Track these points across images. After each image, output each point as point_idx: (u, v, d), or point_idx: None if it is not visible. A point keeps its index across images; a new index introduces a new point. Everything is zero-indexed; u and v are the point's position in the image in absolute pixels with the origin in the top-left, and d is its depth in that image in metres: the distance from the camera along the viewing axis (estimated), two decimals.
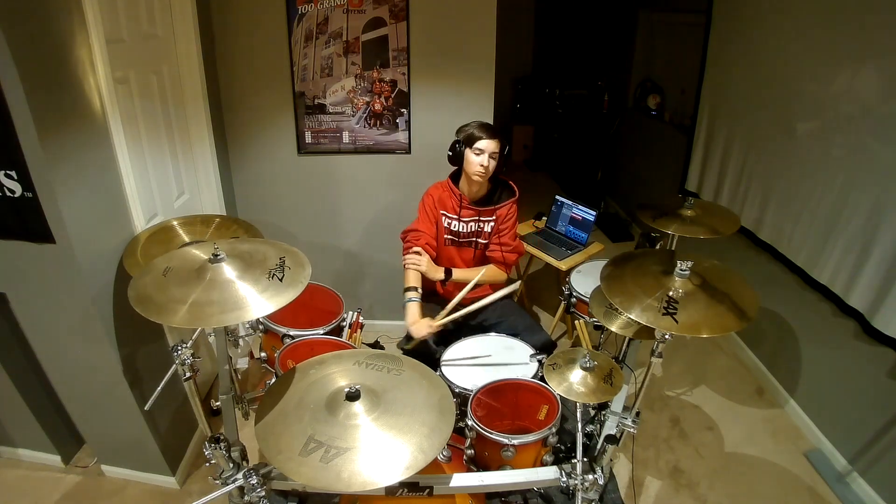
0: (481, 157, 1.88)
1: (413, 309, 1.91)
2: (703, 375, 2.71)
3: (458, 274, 2.03)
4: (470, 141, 1.89)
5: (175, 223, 1.84)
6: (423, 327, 1.85)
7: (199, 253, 1.26)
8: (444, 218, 2.04)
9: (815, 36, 2.18)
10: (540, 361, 1.78)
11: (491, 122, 2.42)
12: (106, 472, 2.06)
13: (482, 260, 2.15)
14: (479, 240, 2.09)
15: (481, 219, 2.05)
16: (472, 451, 1.62)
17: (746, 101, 2.67)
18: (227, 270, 1.18)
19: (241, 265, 1.21)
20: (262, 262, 1.23)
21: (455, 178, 2.04)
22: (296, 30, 2.30)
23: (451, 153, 1.95)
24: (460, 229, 2.05)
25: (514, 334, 2.04)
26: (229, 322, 1.08)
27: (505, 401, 1.74)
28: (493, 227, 2.06)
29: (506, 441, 1.51)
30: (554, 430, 1.56)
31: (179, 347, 1.28)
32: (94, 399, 1.84)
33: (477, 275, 1.91)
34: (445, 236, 2.07)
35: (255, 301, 1.13)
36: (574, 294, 2.26)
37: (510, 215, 2.06)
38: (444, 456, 1.48)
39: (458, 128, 1.96)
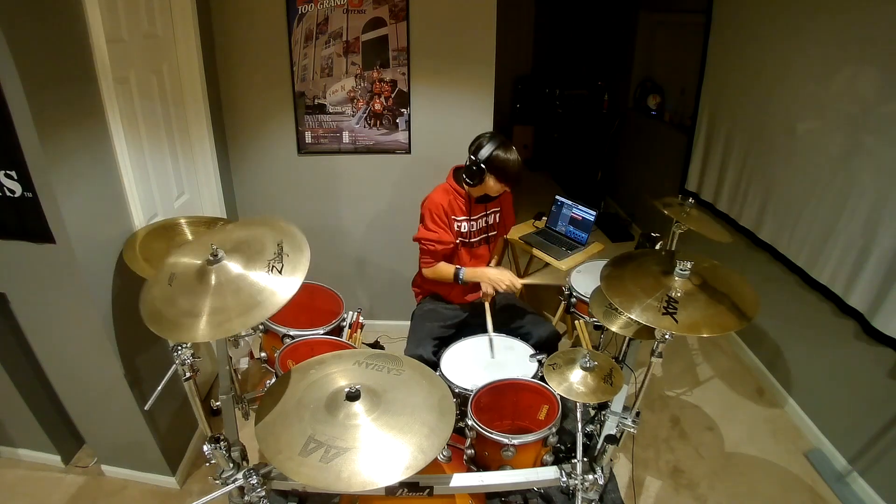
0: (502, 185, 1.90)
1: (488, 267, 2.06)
2: (703, 375, 2.71)
3: (468, 274, 2.01)
4: (502, 176, 1.87)
5: (182, 221, 1.81)
6: (508, 275, 1.96)
7: (193, 259, 1.19)
8: (453, 223, 2.02)
9: (815, 36, 2.18)
10: (540, 361, 1.78)
11: (491, 121, 2.43)
12: (106, 472, 2.06)
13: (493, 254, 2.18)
14: (490, 233, 2.11)
15: (488, 211, 2.07)
16: (472, 451, 1.62)
17: (746, 102, 2.67)
18: (232, 266, 1.14)
19: (242, 259, 1.16)
20: (260, 253, 1.17)
21: (456, 178, 2.00)
22: (296, 30, 2.29)
23: (468, 172, 1.90)
24: (469, 229, 2.05)
25: (519, 327, 2.04)
26: (253, 322, 1.05)
27: (505, 401, 1.74)
28: (500, 217, 2.11)
29: (506, 441, 1.51)
30: (554, 430, 1.56)
31: (179, 347, 1.28)
32: (94, 399, 1.84)
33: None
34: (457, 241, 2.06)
35: (272, 289, 1.08)
36: (574, 294, 2.26)
37: (509, 200, 2.13)
38: (444, 456, 1.47)
39: (482, 146, 1.85)
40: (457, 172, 2.01)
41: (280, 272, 1.12)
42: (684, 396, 2.56)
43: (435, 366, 1.88)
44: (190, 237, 1.77)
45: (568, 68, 5.53)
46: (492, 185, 1.90)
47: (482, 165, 1.86)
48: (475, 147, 1.88)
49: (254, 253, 1.17)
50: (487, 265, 2.16)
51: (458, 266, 2.00)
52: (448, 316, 2.10)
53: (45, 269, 1.55)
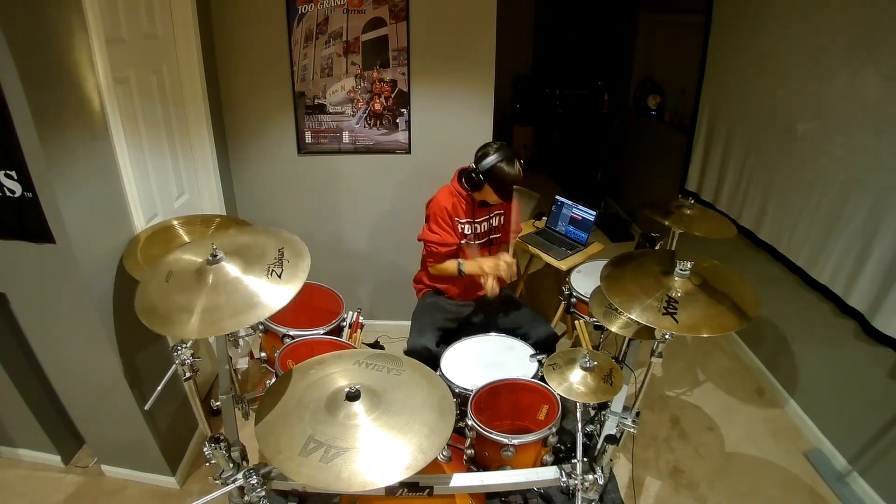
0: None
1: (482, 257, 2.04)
2: (703, 375, 2.71)
3: (468, 266, 2.01)
4: (499, 188, 1.87)
5: (175, 223, 1.83)
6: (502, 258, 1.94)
7: (194, 257, 1.22)
8: (457, 225, 2.02)
9: (815, 36, 2.18)
10: (540, 361, 1.78)
11: (491, 121, 2.43)
12: (106, 472, 2.06)
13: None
14: (493, 236, 2.11)
15: (492, 214, 2.07)
16: (472, 451, 1.62)
17: (746, 101, 2.67)
18: (231, 268, 1.15)
19: (242, 262, 1.18)
20: (260, 257, 1.19)
21: (460, 180, 1.99)
22: (296, 30, 2.29)
23: (468, 179, 1.90)
24: (473, 231, 2.04)
25: (517, 327, 2.04)
26: (246, 324, 1.07)
27: (505, 401, 1.74)
28: (504, 220, 2.10)
29: (506, 441, 1.51)
30: (554, 430, 1.57)
31: (179, 347, 1.28)
32: (94, 399, 1.84)
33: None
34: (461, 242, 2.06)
35: (267, 294, 1.10)
36: (574, 294, 2.26)
37: (516, 205, 2.12)
38: (444, 456, 1.47)
39: (486, 156, 1.85)
40: (461, 175, 2.00)
41: (279, 276, 1.14)
42: (684, 396, 2.56)
43: (437, 357, 1.89)
44: (187, 239, 1.77)
45: (568, 68, 5.52)
46: (490, 195, 1.91)
47: (481, 176, 1.86)
48: (480, 155, 1.88)
49: (254, 257, 1.19)
50: None
51: (459, 260, 2.01)
52: (450, 309, 2.11)
53: (45, 269, 1.55)
